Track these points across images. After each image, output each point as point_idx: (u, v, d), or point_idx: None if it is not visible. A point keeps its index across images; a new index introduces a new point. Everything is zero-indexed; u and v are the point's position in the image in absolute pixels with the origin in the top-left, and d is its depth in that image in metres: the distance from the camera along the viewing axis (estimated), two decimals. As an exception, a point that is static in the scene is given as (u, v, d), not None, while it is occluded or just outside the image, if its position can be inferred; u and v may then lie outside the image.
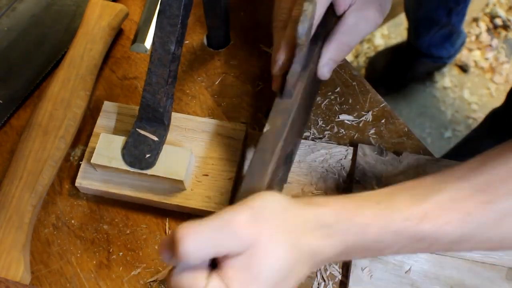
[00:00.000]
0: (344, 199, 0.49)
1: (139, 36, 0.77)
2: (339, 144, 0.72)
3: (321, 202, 0.48)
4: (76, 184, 0.70)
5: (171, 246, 0.45)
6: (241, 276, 0.44)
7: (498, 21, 1.73)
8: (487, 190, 0.47)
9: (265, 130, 0.58)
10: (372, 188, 0.68)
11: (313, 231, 0.47)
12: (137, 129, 0.68)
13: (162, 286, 0.66)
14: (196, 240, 0.44)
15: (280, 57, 0.60)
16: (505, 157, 0.48)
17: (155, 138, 0.68)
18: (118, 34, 0.81)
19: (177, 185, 0.67)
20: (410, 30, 1.57)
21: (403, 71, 1.64)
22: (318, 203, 0.48)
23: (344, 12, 0.61)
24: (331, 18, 0.62)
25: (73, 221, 0.70)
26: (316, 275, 0.66)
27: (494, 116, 1.25)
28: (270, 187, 0.57)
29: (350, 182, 0.70)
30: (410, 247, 0.49)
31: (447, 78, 1.68)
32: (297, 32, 0.54)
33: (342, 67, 0.78)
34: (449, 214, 0.47)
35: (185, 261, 0.44)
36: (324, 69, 0.62)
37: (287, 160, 0.65)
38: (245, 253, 0.44)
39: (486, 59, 1.70)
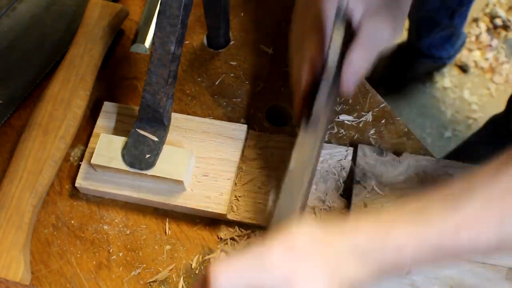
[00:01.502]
0: (374, 221, 0.48)
1: (139, 36, 0.77)
2: (339, 144, 0.72)
3: (353, 228, 0.47)
4: (76, 185, 0.70)
5: (203, 285, 0.44)
6: None
7: (498, 21, 1.73)
8: None
9: (290, 167, 0.57)
10: (372, 189, 0.68)
11: (349, 260, 0.46)
12: (137, 130, 0.68)
13: (162, 286, 0.66)
14: (228, 277, 0.43)
15: (303, 77, 0.58)
16: None
17: (155, 139, 0.67)
18: (118, 34, 0.81)
19: (177, 185, 0.67)
20: (411, 30, 1.57)
21: (403, 71, 1.64)
22: (350, 230, 0.47)
23: (360, 24, 0.59)
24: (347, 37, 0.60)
25: (73, 221, 0.70)
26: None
27: (494, 122, 1.25)
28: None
29: (350, 182, 0.69)
30: (447, 260, 0.48)
31: (447, 78, 1.68)
32: (328, 57, 0.54)
33: (342, 67, 0.78)
34: (482, 223, 0.46)
35: None
36: (350, 84, 0.59)
37: (309, 188, 0.65)
38: None
39: (486, 59, 1.69)
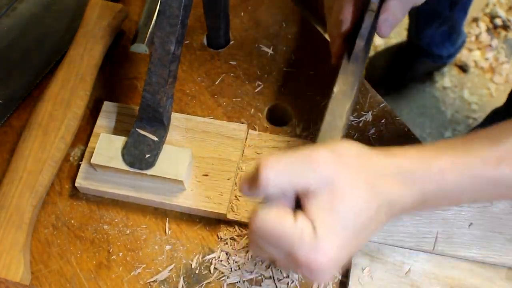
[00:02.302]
0: (421, 148, 0.49)
1: (139, 36, 0.77)
2: (339, 144, 0.72)
3: (399, 151, 0.49)
4: (76, 184, 0.70)
5: (252, 179, 0.46)
6: (326, 216, 0.45)
7: (498, 21, 1.73)
8: None
9: (335, 90, 0.60)
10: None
11: (392, 179, 0.47)
12: (137, 129, 0.68)
13: (162, 286, 0.66)
14: (277, 168, 0.45)
15: (347, 17, 0.62)
16: None
17: (155, 138, 0.68)
18: (118, 34, 0.81)
19: (177, 185, 0.67)
20: (411, 25, 1.57)
21: (403, 71, 1.64)
22: (396, 152, 0.49)
23: None
24: None
25: (73, 221, 0.70)
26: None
27: (495, 115, 1.25)
28: None
29: (350, 182, 0.69)
30: (487, 193, 0.49)
31: (447, 78, 1.68)
32: (370, 2, 0.58)
33: (342, 67, 0.78)
34: None
35: (265, 188, 0.45)
36: (386, 27, 0.62)
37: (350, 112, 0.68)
38: (325, 192, 0.45)
39: (486, 59, 1.69)
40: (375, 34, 0.65)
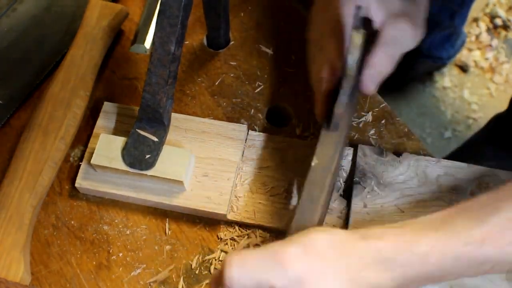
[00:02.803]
0: (400, 230, 0.48)
1: (139, 36, 0.77)
2: (339, 144, 0.72)
3: (378, 235, 0.47)
4: (76, 185, 0.70)
5: (219, 277, 0.45)
6: None
7: (498, 21, 1.73)
8: None
9: (313, 164, 0.57)
10: (372, 189, 0.68)
11: (372, 266, 0.46)
12: (137, 130, 0.68)
13: (162, 286, 0.66)
14: (241, 267, 0.44)
15: (327, 77, 0.59)
16: None
17: (155, 139, 0.67)
18: (118, 34, 0.81)
19: (177, 186, 0.67)
20: None
21: (403, 71, 1.64)
22: (375, 236, 0.47)
23: (381, 29, 0.60)
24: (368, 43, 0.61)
25: (72, 222, 0.70)
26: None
27: (497, 121, 1.24)
28: (320, 222, 0.56)
29: (350, 182, 0.69)
30: (472, 271, 0.48)
31: (447, 78, 1.67)
32: (347, 63, 0.53)
33: (342, 67, 0.78)
34: (508, 236, 0.46)
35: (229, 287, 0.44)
36: (369, 83, 0.60)
37: (332, 190, 0.65)
38: None
39: (486, 59, 1.69)
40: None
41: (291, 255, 0.44)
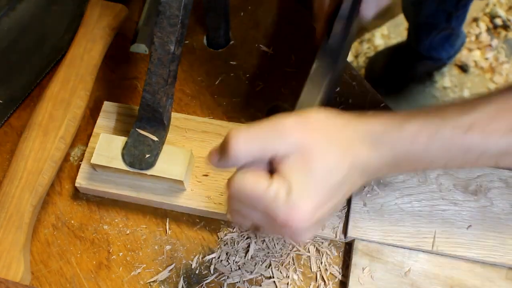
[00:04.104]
0: (393, 113, 0.50)
1: (139, 36, 0.77)
2: (339, 144, 0.72)
3: (370, 115, 0.50)
4: (76, 185, 0.70)
5: (222, 149, 0.47)
6: (299, 176, 0.46)
7: (498, 21, 1.73)
8: None
9: (314, 66, 0.61)
10: (372, 188, 0.68)
11: (362, 142, 0.48)
12: (137, 129, 0.68)
13: (162, 286, 0.66)
14: (246, 136, 0.46)
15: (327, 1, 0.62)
16: None
17: (155, 138, 0.67)
18: (118, 34, 0.81)
19: (177, 185, 0.67)
20: (410, 34, 1.57)
21: (403, 71, 1.64)
22: (367, 116, 0.49)
23: None
24: None
25: (73, 221, 0.70)
26: (316, 276, 0.66)
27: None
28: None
29: (350, 182, 0.69)
30: (458, 159, 0.49)
31: (447, 78, 1.68)
32: None
33: (342, 67, 0.78)
34: (496, 123, 0.47)
35: (235, 157, 0.46)
36: (368, 12, 0.63)
37: (331, 92, 0.68)
38: (296, 155, 0.46)
39: (486, 59, 1.69)
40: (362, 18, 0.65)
41: (290, 124, 0.47)
